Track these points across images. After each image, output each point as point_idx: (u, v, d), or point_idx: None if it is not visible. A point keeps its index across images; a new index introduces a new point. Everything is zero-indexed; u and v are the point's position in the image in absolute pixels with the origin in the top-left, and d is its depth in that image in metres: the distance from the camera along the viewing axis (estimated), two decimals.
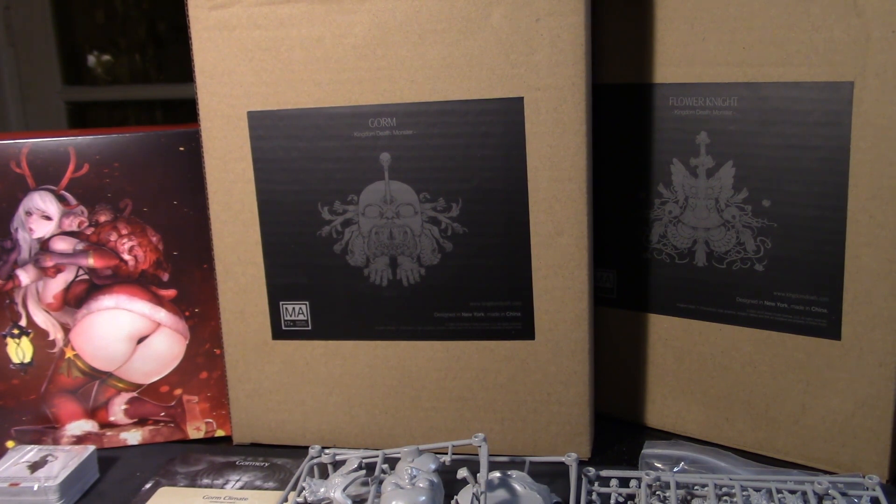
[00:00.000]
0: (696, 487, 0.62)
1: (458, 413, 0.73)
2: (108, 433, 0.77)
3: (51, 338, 0.75)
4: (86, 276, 0.74)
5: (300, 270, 0.72)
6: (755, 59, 0.64)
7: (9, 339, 0.74)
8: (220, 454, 0.74)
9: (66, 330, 0.75)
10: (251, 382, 0.75)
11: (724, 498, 0.61)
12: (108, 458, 0.74)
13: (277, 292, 0.73)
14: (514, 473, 0.63)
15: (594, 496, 0.63)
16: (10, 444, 0.76)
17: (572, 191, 0.66)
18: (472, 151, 0.67)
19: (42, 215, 0.73)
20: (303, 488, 0.63)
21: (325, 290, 0.72)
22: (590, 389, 0.70)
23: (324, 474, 0.66)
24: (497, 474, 0.62)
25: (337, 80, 0.68)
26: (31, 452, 0.71)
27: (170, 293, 0.75)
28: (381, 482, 0.60)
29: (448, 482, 0.61)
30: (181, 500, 0.66)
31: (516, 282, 0.69)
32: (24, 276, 0.73)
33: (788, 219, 0.66)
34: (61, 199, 0.73)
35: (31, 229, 0.73)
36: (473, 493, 0.56)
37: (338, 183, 0.70)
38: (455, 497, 0.61)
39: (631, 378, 0.76)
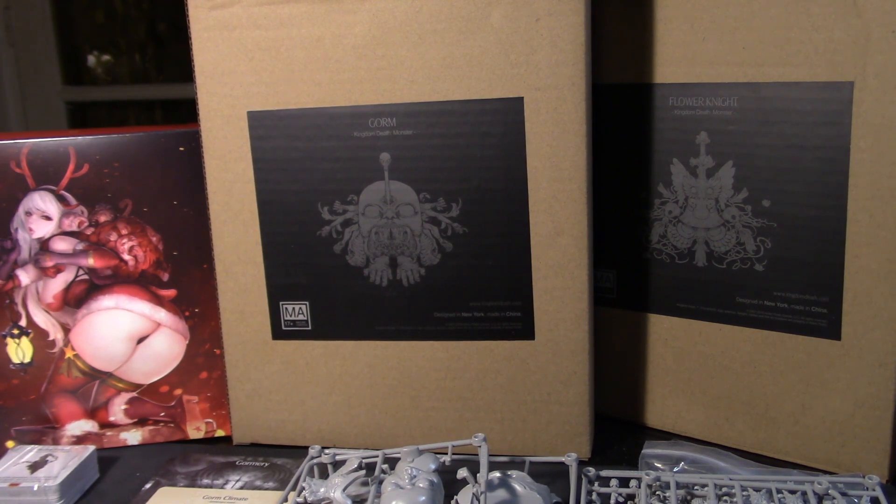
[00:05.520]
0: (696, 487, 0.62)
1: (458, 413, 0.73)
2: (108, 433, 0.77)
3: (51, 338, 0.75)
4: (86, 276, 0.74)
5: (300, 270, 0.72)
6: (755, 59, 0.64)
7: (9, 339, 0.74)
8: (220, 454, 0.74)
9: (66, 330, 0.75)
10: (251, 382, 0.75)
11: (724, 498, 0.61)
12: (108, 458, 0.74)
13: (277, 292, 0.73)
14: (514, 473, 0.63)
15: (594, 496, 0.63)
16: (10, 444, 0.76)
17: (572, 191, 0.66)
18: (472, 151, 0.67)
19: (42, 215, 0.73)
20: (303, 488, 0.63)
21: (325, 290, 0.72)
22: (590, 389, 0.70)
23: (324, 474, 0.66)
24: (497, 474, 0.62)
25: (337, 80, 0.68)
26: (31, 452, 0.71)
27: (170, 293, 0.75)
28: (381, 482, 0.60)
29: (448, 482, 0.61)
30: (181, 500, 0.66)
31: (516, 282, 0.69)
32: (24, 276, 0.73)
33: (788, 219, 0.66)
34: (61, 199, 0.73)
35: (31, 229, 0.73)
36: (473, 493, 0.56)
37: (338, 183, 0.70)
38: (455, 497, 0.61)
39: (631, 378, 0.76)
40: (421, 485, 0.57)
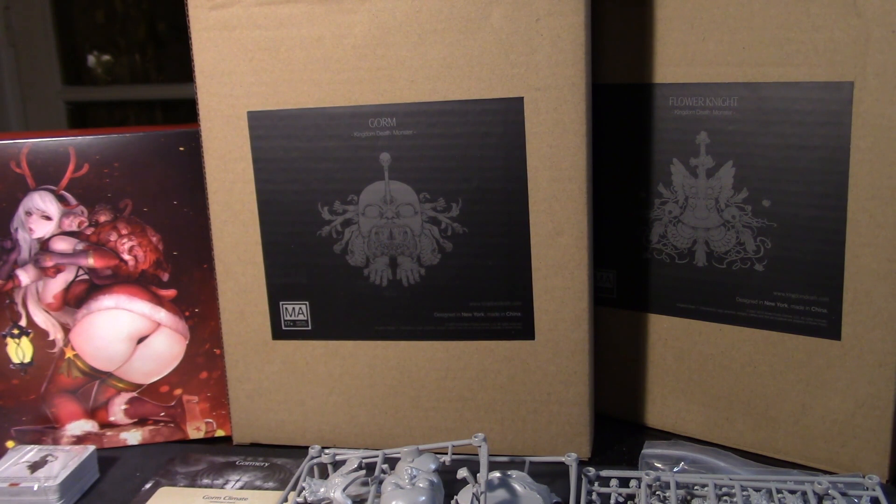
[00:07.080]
0: (696, 487, 0.62)
1: (458, 413, 0.73)
2: (108, 433, 0.77)
3: (51, 338, 0.75)
4: (86, 276, 0.74)
5: (300, 270, 0.72)
6: (755, 59, 0.64)
7: (9, 339, 0.74)
8: (220, 454, 0.74)
9: (66, 330, 0.75)
10: (251, 382, 0.75)
11: (724, 498, 0.61)
12: (108, 458, 0.74)
13: (277, 292, 0.73)
14: (514, 473, 0.63)
15: (594, 496, 0.63)
16: (10, 444, 0.76)
17: (572, 191, 0.66)
18: (472, 151, 0.67)
19: (42, 215, 0.73)
20: (303, 488, 0.63)
21: (325, 290, 0.72)
22: (590, 389, 0.70)
23: (324, 474, 0.66)
24: (497, 474, 0.62)
25: (337, 80, 0.68)
26: (31, 452, 0.71)
27: (170, 293, 0.75)
28: (381, 482, 0.60)
29: (448, 482, 0.61)
30: (181, 500, 0.66)
31: (516, 282, 0.69)
32: (24, 276, 0.73)
33: (788, 219, 0.66)
34: (61, 199, 0.73)
35: (31, 229, 0.73)
36: (473, 493, 0.56)
37: (338, 183, 0.70)
38: (455, 497, 0.61)
39: (631, 378, 0.76)
40: (421, 485, 0.57)
